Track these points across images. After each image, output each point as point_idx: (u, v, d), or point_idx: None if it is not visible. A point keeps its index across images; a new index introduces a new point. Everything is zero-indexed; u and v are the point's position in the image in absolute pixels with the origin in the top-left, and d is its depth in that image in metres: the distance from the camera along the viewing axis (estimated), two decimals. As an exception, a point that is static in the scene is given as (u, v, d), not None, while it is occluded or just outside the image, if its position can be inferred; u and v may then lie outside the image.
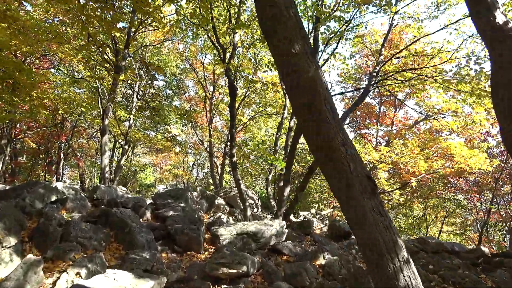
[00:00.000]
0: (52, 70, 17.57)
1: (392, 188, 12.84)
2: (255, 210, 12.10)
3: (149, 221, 8.12)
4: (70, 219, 7.10)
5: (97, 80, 13.80)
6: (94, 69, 13.95)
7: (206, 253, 6.79)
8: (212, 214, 10.00)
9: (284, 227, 7.93)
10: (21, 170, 22.90)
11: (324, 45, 8.35)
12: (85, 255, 5.40)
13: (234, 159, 8.84)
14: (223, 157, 18.80)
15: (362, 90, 10.37)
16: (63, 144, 21.02)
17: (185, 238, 6.74)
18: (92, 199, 8.96)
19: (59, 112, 16.34)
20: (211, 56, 18.91)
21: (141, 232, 6.45)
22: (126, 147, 16.57)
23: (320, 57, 8.40)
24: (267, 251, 7.40)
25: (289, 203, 9.83)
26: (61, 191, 8.53)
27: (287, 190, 8.28)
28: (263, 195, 20.78)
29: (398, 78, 10.22)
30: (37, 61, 15.34)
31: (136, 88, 17.23)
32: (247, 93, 17.63)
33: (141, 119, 22.59)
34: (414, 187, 13.73)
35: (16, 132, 19.30)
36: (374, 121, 18.12)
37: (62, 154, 21.23)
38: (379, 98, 19.35)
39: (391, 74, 9.44)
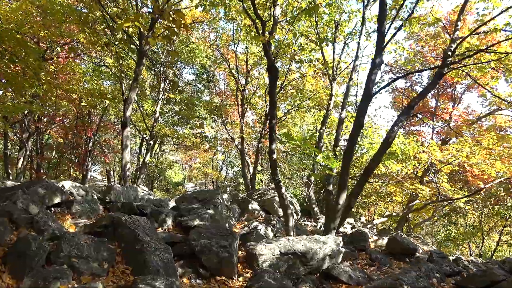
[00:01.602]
0: (77, 62, 16.61)
1: (457, 194, 10.75)
2: (295, 217, 10.39)
3: (170, 231, 6.61)
4: (71, 230, 5.70)
5: (121, 69, 12.54)
6: (116, 56, 12.61)
7: (240, 279, 5.16)
8: (245, 223, 8.39)
9: (341, 244, 6.18)
10: (51, 165, 22.29)
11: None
12: (76, 286, 3.91)
13: (274, 156, 7.17)
14: (256, 155, 17.22)
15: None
16: (89, 139, 20.12)
17: (214, 258, 5.13)
18: (104, 202, 7.58)
19: (82, 104, 15.28)
20: (244, 46, 17.36)
21: (157, 250, 4.91)
22: (152, 142, 15.33)
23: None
24: (319, 277, 5.69)
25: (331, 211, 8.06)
26: (68, 192, 7.19)
27: (343, 196, 6.52)
28: (298, 197, 19.06)
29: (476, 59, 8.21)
30: (59, 48, 14.24)
31: (164, 77, 15.91)
32: (283, 85, 15.94)
33: (169, 113, 21.37)
34: (483, 193, 11.55)
35: (42, 126, 18.56)
36: (428, 116, 15.88)
37: (88, 150, 20.33)
38: (435, 91, 17.08)
39: (473, 52, 7.43)
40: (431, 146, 10.93)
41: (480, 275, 5.53)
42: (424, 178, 13.34)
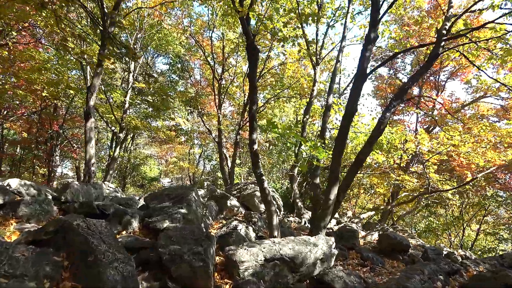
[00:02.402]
0: (41, 50, 15.17)
1: (445, 185, 10.23)
2: (278, 213, 9.63)
3: (135, 234, 5.69)
4: (13, 237, 4.72)
5: (84, 54, 11.33)
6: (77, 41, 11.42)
7: (218, 292, 4.33)
8: (224, 222, 7.55)
9: (333, 246, 5.43)
10: (14, 162, 20.71)
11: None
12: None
13: (255, 147, 6.34)
14: (234, 148, 16.34)
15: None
16: (55, 133, 18.71)
17: (186, 268, 4.27)
18: (60, 202, 6.57)
19: (43, 94, 13.95)
20: (219, 32, 16.37)
21: (115, 261, 3.99)
22: (121, 135, 14.18)
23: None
24: (309, 285, 4.93)
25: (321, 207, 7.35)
26: (15, 191, 6.15)
27: (335, 190, 5.76)
28: (279, 191, 18.33)
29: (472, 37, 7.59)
30: (14, 33, 12.83)
31: (132, 67, 14.71)
32: (262, 73, 15.10)
33: (142, 105, 20.14)
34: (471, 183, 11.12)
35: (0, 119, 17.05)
36: (412, 104, 15.37)
37: (55, 144, 18.92)
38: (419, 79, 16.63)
39: (469, 30, 6.79)
40: (420, 135, 10.38)
41: (490, 277, 4.91)
42: (411, 169, 12.84)
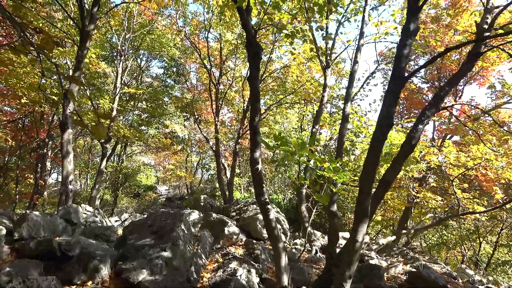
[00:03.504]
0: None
1: (478, 206, 8.90)
2: (283, 238, 8.29)
3: (104, 285, 4.38)
4: None
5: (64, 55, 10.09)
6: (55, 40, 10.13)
7: None
8: (219, 260, 6.19)
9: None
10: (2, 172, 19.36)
11: None
12: None
13: (259, 166, 5.06)
14: (233, 157, 15.01)
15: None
16: (42, 142, 17.44)
17: None
18: (12, 239, 5.25)
19: (23, 101, 12.67)
20: (217, 33, 15.11)
21: None
22: (108, 146, 12.86)
23: None
24: None
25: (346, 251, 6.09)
26: (-49, 228, 4.85)
27: (364, 228, 4.42)
28: (281, 203, 16.97)
29: None
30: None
31: (120, 69, 13.40)
32: (263, 77, 13.83)
33: (135, 111, 18.83)
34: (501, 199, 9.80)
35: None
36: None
37: (41, 153, 17.62)
38: (430, 84, 15.33)
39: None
40: (446, 147, 9.09)
41: None
42: (432, 184, 11.51)
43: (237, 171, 19.49)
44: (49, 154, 18.20)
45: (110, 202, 21.03)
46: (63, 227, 5.95)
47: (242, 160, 22.21)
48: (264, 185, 5.38)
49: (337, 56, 9.44)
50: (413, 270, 7.36)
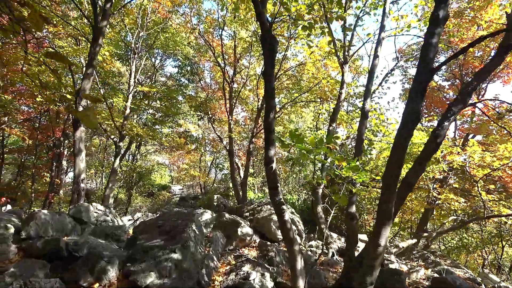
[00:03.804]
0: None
1: (504, 208, 8.43)
2: (298, 240, 8.00)
3: (112, 288, 4.19)
4: None
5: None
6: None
7: None
8: (232, 262, 5.95)
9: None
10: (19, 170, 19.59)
11: None
12: None
13: (273, 165, 4.82)
14: (247, 157, 14.78)
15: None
16: (58, 140, 17.58)
17: None
18: (20, 239, 5.12)
19: (37, 99, 12.70)
20: (230, 31, 14.90)
21: None
22: (121, 144, 12.77)
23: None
24: None
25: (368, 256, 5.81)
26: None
27: (387, 231, 4.11)
28: (296, 204, 16.65)
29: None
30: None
31: (134, 67, 13.30)
32: (277, 75, 13.55)
33: (149, 110, 18.78)
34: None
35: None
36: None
37: (57, 152, 17.75)
38: (450, 82, 14.76)
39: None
40: (470, 146, 8.64)
41: None
42: (454, 185, 11.04)
43: (251, 170, 19.28)
44: (65, 152, 18.32)
45: (124, 201, 21.06)
46: (72, 226, 5.81)
47: (256, 159, 21.96)
48: (278, 185, 5.14)
49: (356, 51, 9.09)
50: (436, 275, 6.99)
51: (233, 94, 15.03)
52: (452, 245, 19.98)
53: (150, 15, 13.76)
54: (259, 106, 14.12)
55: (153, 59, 19.92)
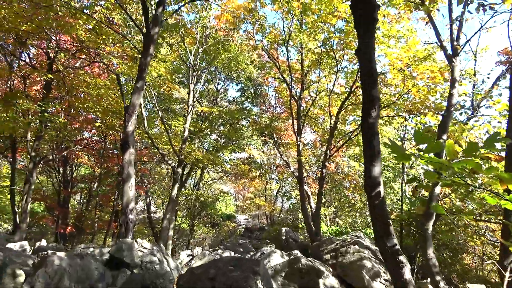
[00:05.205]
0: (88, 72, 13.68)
1: None
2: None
3: None
4: None
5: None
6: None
7: None
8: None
9: None
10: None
11: None
12: None
13: (380, 190, 3.00)
14: (320, 183, 12.77)
15: None
16: (121, 169, 17.15)
17: None
18: (23, 294, 3.77)
19: (97, 124, 12.15)
20: (297, 45, 13.42)
21: None
22: (179, 170, 11.61)
23: None
24: None
25: None
26: None
27: None
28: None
29: None
30: (62, 54, 11.21)
31: (192, 85, 12.28)
32: (353, 88, 11.69)
33: (212, 136, 17.82)
34: None
35: (67, 153, 15.81)
36: None
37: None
38: None
39: None
40: None
41: None
42: None
43: (324, 199, 17.17)
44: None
45: (188, 232, 19.99)
46: (99, 273, 4.38)
47: (326, 187, 19.75)
48: (390, 221, 3.28)
49: (469, 40, 6.91)
50: None
51: (300, 113, 13.38)
52: None
53: (210, 30, 12.85)
54: (332, 125, 12.25)
55: (216, 84, 19.21)
